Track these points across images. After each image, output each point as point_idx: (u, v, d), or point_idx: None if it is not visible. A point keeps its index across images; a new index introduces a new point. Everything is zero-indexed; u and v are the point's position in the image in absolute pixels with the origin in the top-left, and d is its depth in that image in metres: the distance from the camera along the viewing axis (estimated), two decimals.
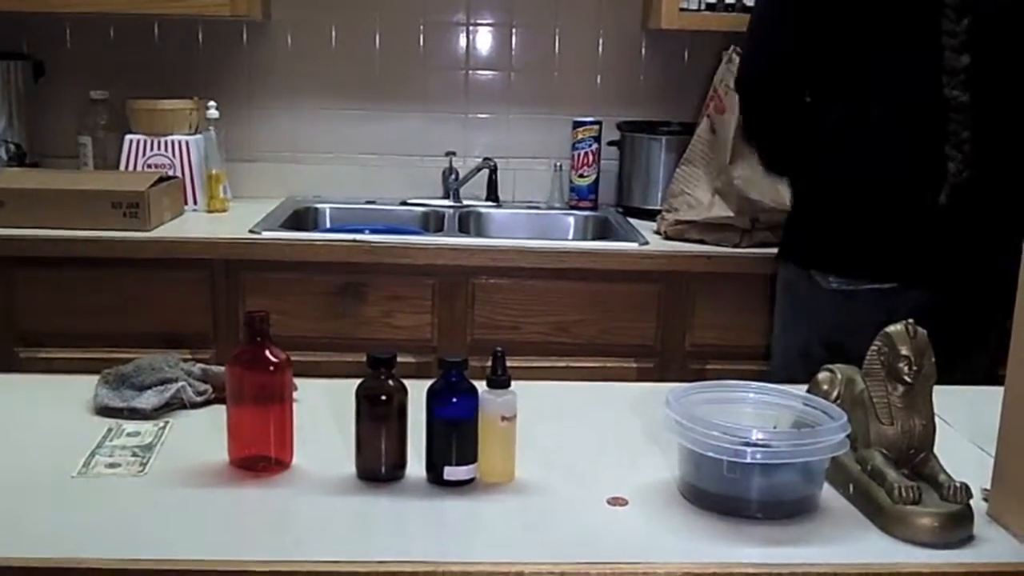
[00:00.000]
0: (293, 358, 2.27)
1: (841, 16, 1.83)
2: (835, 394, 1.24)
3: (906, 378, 1.12)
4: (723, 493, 1.11)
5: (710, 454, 1.10)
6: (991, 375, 1.79)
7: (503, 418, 1.16)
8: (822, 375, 1.27)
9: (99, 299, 2.34)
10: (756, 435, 1.11)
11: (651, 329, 2.44)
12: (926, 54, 1.78)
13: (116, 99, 2.74)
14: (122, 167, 2.67)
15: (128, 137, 2.67)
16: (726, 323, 2.42)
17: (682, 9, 2.64)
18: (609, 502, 1.15)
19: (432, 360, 2.37)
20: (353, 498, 1.14)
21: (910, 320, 1.13)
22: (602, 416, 1.44)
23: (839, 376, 1.25)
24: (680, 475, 1.18)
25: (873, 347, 1.15)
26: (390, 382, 1.15)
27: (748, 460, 1.08)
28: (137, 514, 1.09)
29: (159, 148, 2.66)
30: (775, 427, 1.20)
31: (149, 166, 2.65)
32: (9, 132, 2.73)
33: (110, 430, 1.29)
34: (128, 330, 2.34)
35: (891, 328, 1.13)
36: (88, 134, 2.76)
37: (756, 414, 1.20)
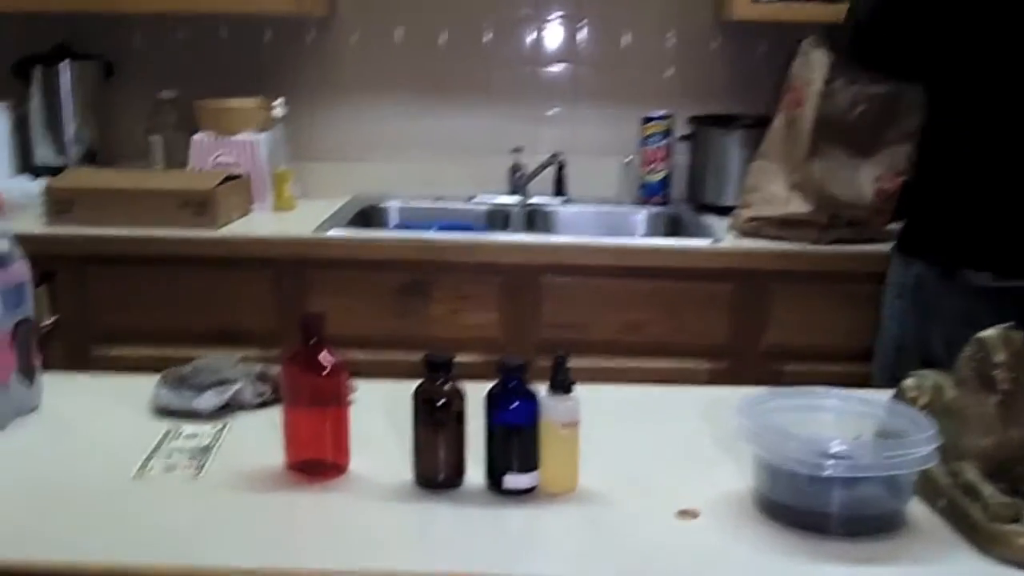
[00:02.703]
0: (357, 357, 2.26)
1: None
2: (923, 402, 1.16)
3: (1001, 387, 1.04)
4: (802, 507, 1.05)
5: (788, 467, 1.03)
6: None
7: (565, 425, 1.10)
8: (909, 382, 1.19)
9: (168, 297, 2.35)
10: (837, 446, 1.04)
11: (724, 329, 2.37)
12: None
13: (185, 98, 2.74)
14: (190, 166, 2.67)
15: (196, 136, 2.67)
16: (804, 323, 2.33)
17: (755, 1, 2.55)
18: (679, 515, 1.09)
19: (498, 359, 2.34)
20: (411, 506, 1.10)
21: (1011, 323, 1.04)
22: (671, 422, 1.38)
23: (927, 383, 1.17)
24: (755, 487, 1.11)
25: (965, 353, 1.07)
26: (448, 386, 1.11)
27: (828, 473, 1.01)
28: (191, 520, 1.07)
29: (227, 147, 2.66)
30: (858, 437, 1.13)
31: (217, 165, 2.65)
32: (81, 132, 2.75)
33: (168, 432, 1.27)
34: (196, 328, 2.34)
35: (985, 333, 1.05)
36: (158, 133, 2.76)
37: (838, 423, 1.13)
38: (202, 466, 1.18)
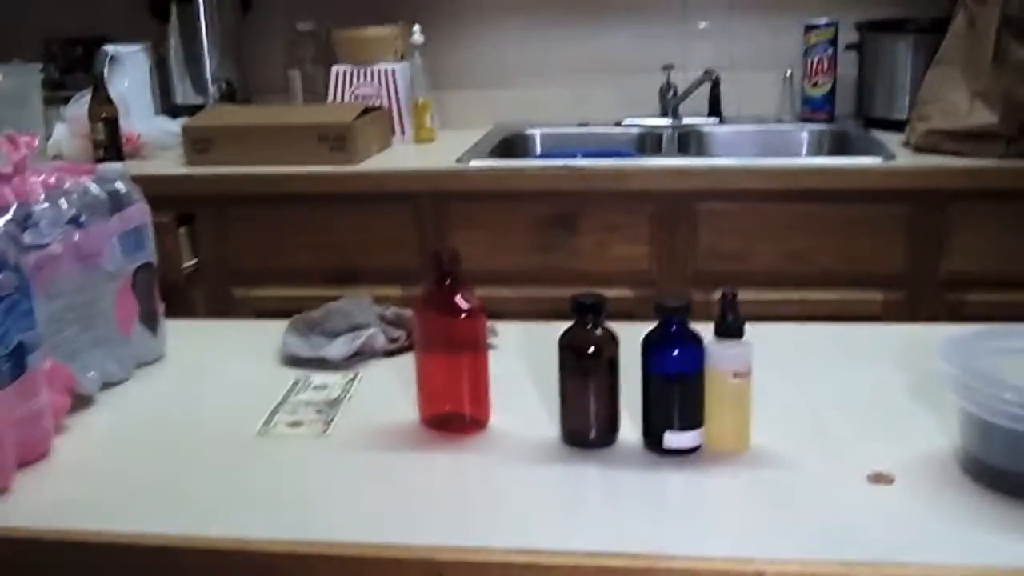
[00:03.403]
0: (500, 294, 2.19)
1: None
2: None
3: None
4: (1020, 471, 0.89)
5: (1003, 422, 0.87)
6: None
7: (735, 374, 0.97)
8: None
9: (308, 236, 2.32)
10: None
11: (900, 256, 2.19)
12: None
13: (322, 30, 2.70)
14: (329, 99, 2.63)
15: (334, 68, 2.62)
16: (989, 247, 2.15)
17: None
18: (871, 479, 0.94)
19: (652, 294, 2.23)
20: (558, 468, 0.99)
21: None
22: (856, 368, 1.22)
23: None
24: (962, 446, 0.96)
25: None
26: (598, 331, 0.98)
27: None
28: (314, 486, 0.98)
29: (365, 78, 2.61)
30: None
31: (356, 97, 2.60)
32: (221, 69, 2.74)
33: (296, 382, 1.20)
34: (336, 266, 2.30)
35: None
36: (296, 67, 2.74)
37: None
38: (330, 421, 1.09)
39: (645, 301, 2.22)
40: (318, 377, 1.21)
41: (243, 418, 1.11)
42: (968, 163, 2.15)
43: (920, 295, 2.20)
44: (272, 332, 1.31)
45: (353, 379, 1.20)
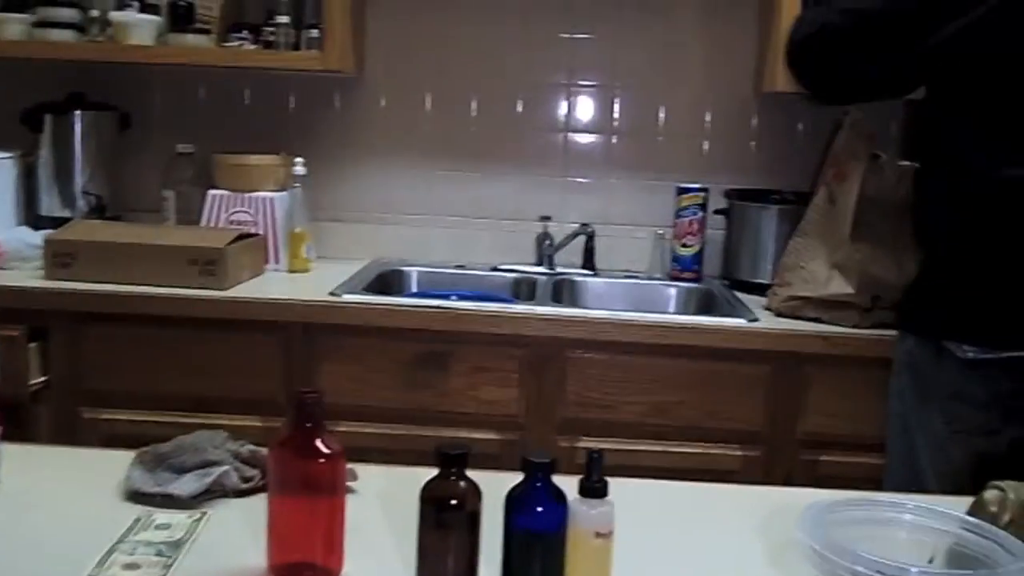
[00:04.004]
0: (367, 430, 2.15)
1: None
2: (1006, 519, 1.00)
3: None
4: None
5: None
6: None
7: (598, 534, 0.95)
8: (990, 494, 1.03)
9: (169, 360, 2.23)
10: (914, 572, 0.88)
11: (759, 414, 2.24)
12: None
13: (203, 154, 2.66)
14: (204, 223, 2.57)
15: (211, 192, 2.57)
16: (843, 410, 2.21)
17: None
18: None
19: (518, 438, 2.21)
20: None
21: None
22: (717, 532, 1.22)
23: (1012, 496, 1.01)
24: None
25: None
26: (461, 483, 0.96)
27: None
28: None
29: (243, 204, 2.57)
30: (931, 559, 0.97)
31: (232, 222, 2.56)
32: (91, 184, 2.66)
33: (138, 519, 1.12)
34: (197, 393, 2.22)
35: None
36: (172, 188, 2.68)
37: (912, 541, 0.97)
38: (170, 565, 1.02)
39: (511, 445, 2.21)
40: (162, 515, 1.13)
41: (75, 557, 1.02)
42: (825, 329, 2.21)
43: (776, 453, 2.24)
44: (117, 462, 1.23)
45: (199, 519, 1.13)
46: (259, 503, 1.11)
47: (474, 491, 0.97)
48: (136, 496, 1.17)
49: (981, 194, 1.68)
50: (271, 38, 2.57)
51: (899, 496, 1.04)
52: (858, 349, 2.18)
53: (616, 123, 2.82)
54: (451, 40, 2.79)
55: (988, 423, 1.67)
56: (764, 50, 2.63)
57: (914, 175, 1.89)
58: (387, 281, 2.64)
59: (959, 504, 1.08)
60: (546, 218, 2.76)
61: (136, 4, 2.58)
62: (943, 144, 1.74)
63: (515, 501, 0.95)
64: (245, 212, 2.57)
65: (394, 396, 2.22)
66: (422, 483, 0.98)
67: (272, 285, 2.41)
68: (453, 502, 0.95)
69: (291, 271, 2.55)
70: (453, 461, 0.96)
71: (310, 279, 2.51)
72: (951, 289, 1.74)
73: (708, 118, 2.80)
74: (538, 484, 0.95)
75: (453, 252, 2.81)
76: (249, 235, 2.47)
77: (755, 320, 2.27)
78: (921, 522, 1.01)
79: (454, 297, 2.39)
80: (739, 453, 2.24)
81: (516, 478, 0.99)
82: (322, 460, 0.99)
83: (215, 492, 1.18)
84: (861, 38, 1.76)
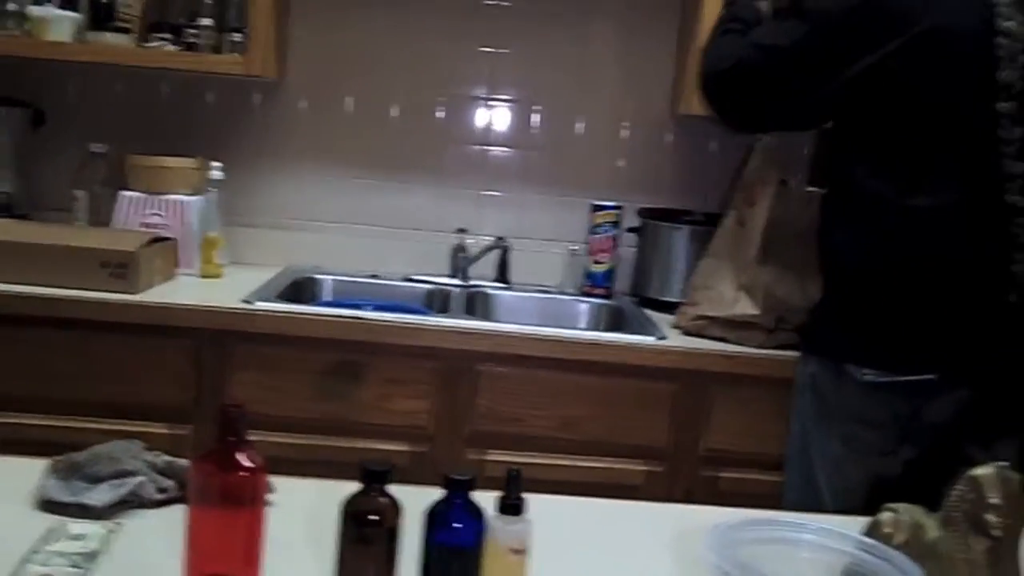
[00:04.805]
0: (279, 439, 2.13)
1: (897, 105, 1.72)
2: (900, 540, 1.06)
3: (994, 532, 0.94)
4: None
5: None
6: None
7: (514, 551, 0.98)
8: (884, 516, 1.09)
9: (78, 364, 2.18)
10: None
11: (663, 430, 2.29)
12: (984, 157, 1.70)
13: (118, 154, 2.60)
14: (115, 224, 2.52)
15: (124, 194, 2.53)
16: (745, 428, 2.27)
17: None
18: None
19: (427, 450, 2.23)
20: None
21: (1003, 462, 0.96)
22: (628, 546, 1.25)
23: (904, 519, 1.07)
24: None
25: (955, 492, 0.98)
26: (383, 499, 0.98)
27: None
28: None
29: (156, 207, 2.53)
30: None
31: (144, 225, 2.51)
32: (1, 182, 2.59)
33: (51, 530, 1.11)
34: (106, 398, 2.18)
35: (979, 471, 0.96)
36: (84, 188, 2.62)
37: (812, 560, 1.02)
38: None
39: (421, 456, 2.22)
40: (76, 526, 1.12)
41: None
42: (731, 349, 2.27)
43: (679, 469, 2.29)
44: (27, 471, 1.22)
45: (114, 530, 1.12)
46: (174, 514, 1.11)
47: (394, 507, 0.98)
48: (49, 505, 1.16)
49: (884, 222, 1.76)
50: (193, 40, 2.54)
51: (800, 516, 1.09)
52: (761, 369, 2.24)
53: (534, 138, 2.86)
54: (372, 49, 2.80)
55: (884, 444, 1.74)
56: (681, 72, 2.69)
57: (821, 201, 1.96)
58: (300, 289, 2.63)
59: (857, 524, 1.14)
60: (462, 230, 2.79)
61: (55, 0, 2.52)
62: (849, 173, 1.81)
63: (435, 516, 0.98)
64: (158, 215, 2.53)
65: (306, 406, 2.21)
66: (341, 497, 1.00)
67: (184, 290, 2.38)
68: (374, 517, 0.97)
69: (204, 276, 2.52)
70: (377, 477, 0.98)
71: (223, 285, 2.48)
72: (852, 314, 1.81)
73: (624, 136, 2.85)
74: (458, 501, 0.98)
75: (368, 261, 2.81)
76: (162, 239, 2.43)
77: (662, 338, 2.31)
78: (821, 542, 1.06)
79: (368, 307, 2.39)
80: (642, 468, 2.29)
81: (432, 492, 1.01)
82: (243, 474, 1.00)
83: (131, 502, 1.17)
84: (773, 74, 1.83)
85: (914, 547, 1.04)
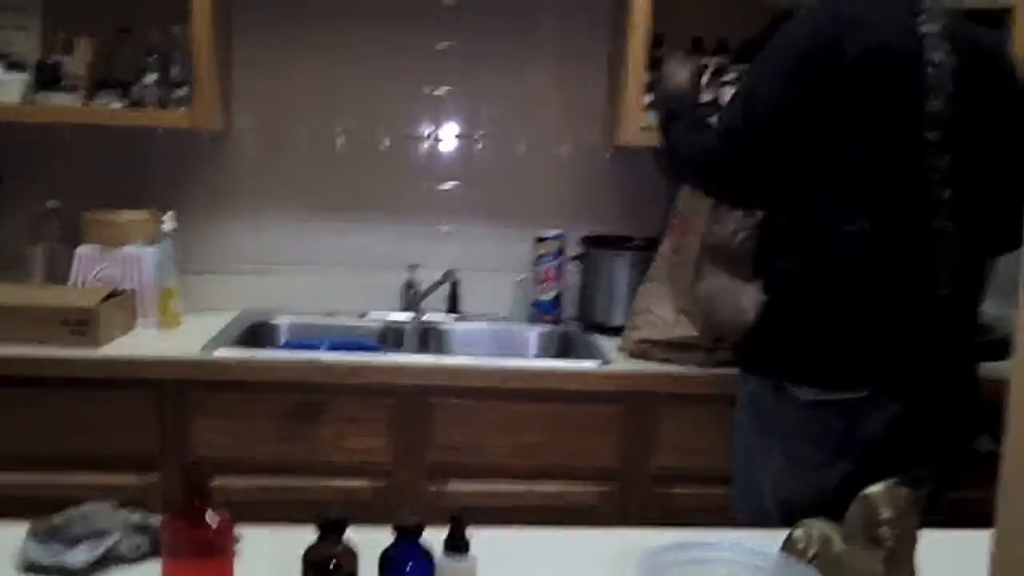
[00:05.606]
0: (244, 483, 2.20)
1: (833, 117, 1.81)
2: (811, 553, 1.17)
3: (887, 543, 1.06)
4: None
5: None
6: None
7: None
8: (797, 532, 1.20)
9: (41, 420, 2.24)
10: None
11: (614, 452, 2.38)
12: (914, 185, 1.79)
13: (71, 210, 2.66)
14: (72, 280, 2.57)
15: (79, 249, 2.58)
16: (692, 445, 2.36)
17: (643, 128, 2.62)
18: None
19: (386, 485, 2.30)
20: None
21: (894, 479, 1.07)
22: (567, 573, 1.34)
23: (815, 534, 1.18)
24: None
25: (853, 509, 1.09)
26: (339, 547, 1.07)
27: None
28: None
29: (112, 261, 2.58)
30: None
31: (101, 279, 2.56)
32: None
33: None
34: (72, 452, 2.24)
35: (871, 490, 1.07)
36: (39, 245, 2.67)
37: None
38: None
39: (381, 491, 2.29)
40: None
41: None
42: (674, 370, 2.36)
43: (632, 488, 2.38)
44: (6, 534, 1.29)
45: None
46: (150, 570, 1.19)
47: (351, 554, 1.08)
48: (33, 568, 1.23)
49: (819, 247, 1.85)
50: (139, 96, 2.61)
51: (719, 535, 1.20)
52: (704, 388, 2.34)
53: (478, 172, 2.94)
54: (317, 94, 2.87)
55: (823, 458, 1.84)
56: (614, 107, 2.78)
57: (759, 225, 2.06)
58: (257, 333, 2.69)
59: (776, 541, 1.25)
60: (414, 265, 2.86)
61: (2, 62, 2.58)
62: (786, 200, 1.91)
63: (387, 560, 1.07)
64: (114, 268, 2.58)
65: (267, 448, 2.28)
66: (304, 544, 1.09)
67: (144, 342, 2.44)
68: (333, 565, 1.07)
69: (162, 326, 2.57)
70: (333, 527, 1.08)
71: (181, 334, 2.54)
72: (789, 334, 1.90)
73: (564, 166, 2.95)
74: (407, 545, 1.07)
75: (322, 300, 2.88)
76: (119, 292, 2.49)
77: (607, 363, 2.41)
78: (741, 559, 1.17)
79: (324, 346, 2.47)
80: (597, 489, 2.37)
81: (387, 533, 1.10)
82: (211, 529, 1.09)
83: (108, 560, 1.25)
84: (735, 156, 1.91)
85: (823, 559, 1.15)
